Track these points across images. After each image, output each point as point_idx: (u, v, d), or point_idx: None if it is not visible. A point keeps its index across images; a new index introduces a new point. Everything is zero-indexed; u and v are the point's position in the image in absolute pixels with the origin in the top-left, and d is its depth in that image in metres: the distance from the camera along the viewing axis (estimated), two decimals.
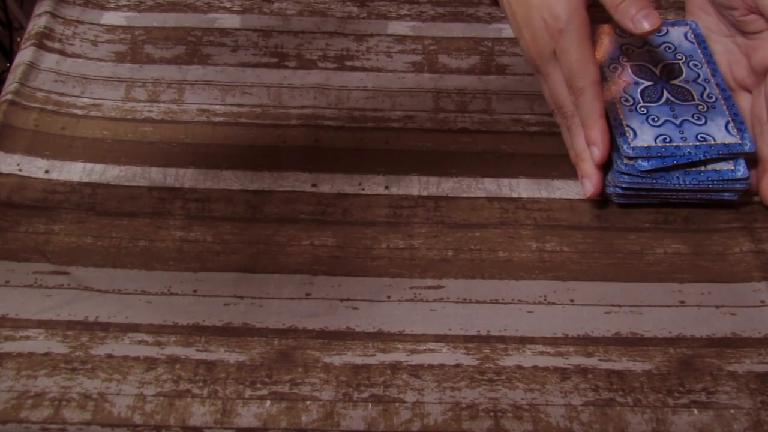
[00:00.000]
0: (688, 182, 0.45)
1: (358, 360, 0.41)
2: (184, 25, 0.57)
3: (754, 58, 0.46)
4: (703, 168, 0.46)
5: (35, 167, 0.48)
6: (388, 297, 0.43)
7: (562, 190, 0.49)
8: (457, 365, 0.41)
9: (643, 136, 0.45)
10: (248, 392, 0.39)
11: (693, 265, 0.45)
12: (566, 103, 0.46)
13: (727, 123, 0.46)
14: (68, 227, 0.45)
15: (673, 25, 0.51)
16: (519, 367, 0.41)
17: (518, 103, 0.53)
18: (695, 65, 0.49)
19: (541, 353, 0.41)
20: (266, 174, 0.49)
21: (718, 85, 0.48)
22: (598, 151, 0.44)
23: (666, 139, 0.45)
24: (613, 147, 0.46)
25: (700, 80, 0.48)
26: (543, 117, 0.52)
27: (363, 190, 0.48)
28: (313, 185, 0.48)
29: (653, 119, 0.46)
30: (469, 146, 0.51)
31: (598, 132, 0.44)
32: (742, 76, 0.48)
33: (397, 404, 0.39)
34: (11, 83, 0.52)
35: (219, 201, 0.47)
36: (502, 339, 0.42)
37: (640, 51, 0.50)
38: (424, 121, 0.52)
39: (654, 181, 0.45)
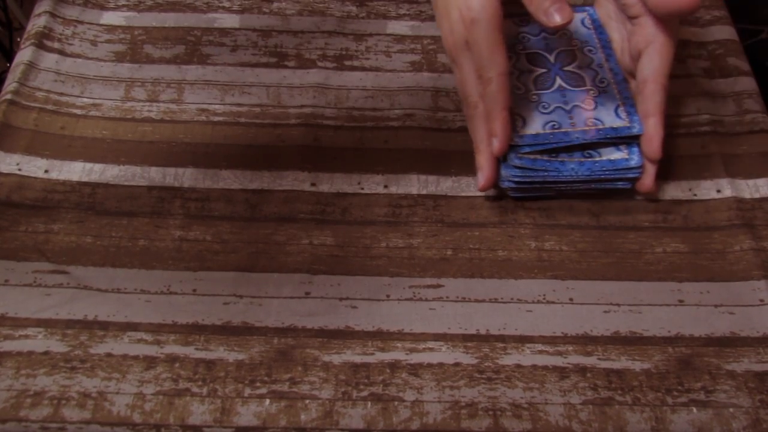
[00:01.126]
0: (581, 173, 0.45)
1: (358, 359, 0.41)
2: (183, 25, 0.57)
3: (631, 43, 0.47)
4: (597, 158, 0.46)
5: (35, 167, 0.48)
6: (388, 296, 0.43)
7: None
8: (457, 364, 0.41)
9: (533, 123, 0.45)
10: (247, 391, 0.39)
11: (692, 264, 0.45)
12: (472, 93, 0.46)
13: (617, 107, 0.46)
14: (68, 227, 0.45)
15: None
16: (518, 366, 0.41)
17: None
18: (590, 50, 0.49)
19: (540, 352, 0.41)
20: (265, 173, 0.49)
21: (611, 69, 0.48)
22: (498, 143, 0.44)
23: (555, 125, 0.45)
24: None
25: (593, 65, 0.48)
26: None
27: (362, 189, 0.48)
28: (313, 184, 0.48)
29: (544, 106, 0.46)
30: (468, 145, 0.50)
31: (499, 124, 0.44)
32: (626, 62, 0.48)
33: (396, 403, 0.39)
34: (11, 83, 0.52)
35: (218, 200, 0.47)
36: (501, 338, 0.42)
37: (536, 39, 0.50)
38: (423, 120, 0.52)
39: (546, 173, 0.45)
